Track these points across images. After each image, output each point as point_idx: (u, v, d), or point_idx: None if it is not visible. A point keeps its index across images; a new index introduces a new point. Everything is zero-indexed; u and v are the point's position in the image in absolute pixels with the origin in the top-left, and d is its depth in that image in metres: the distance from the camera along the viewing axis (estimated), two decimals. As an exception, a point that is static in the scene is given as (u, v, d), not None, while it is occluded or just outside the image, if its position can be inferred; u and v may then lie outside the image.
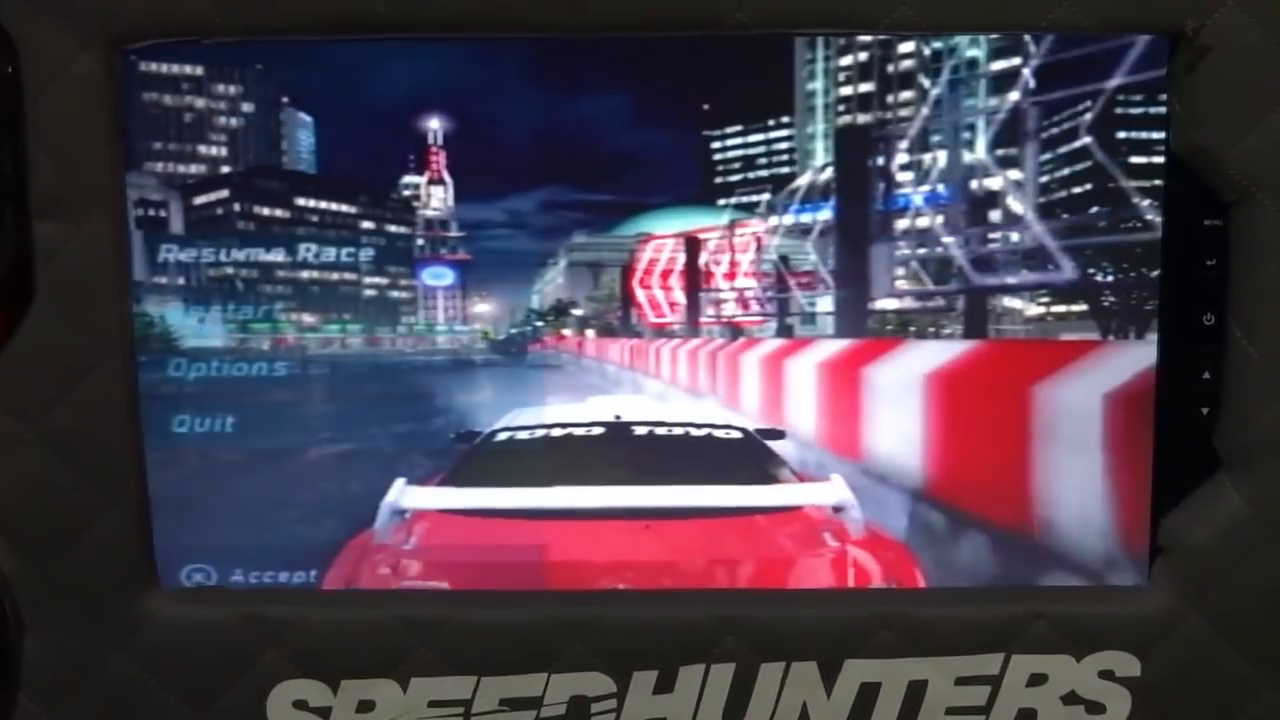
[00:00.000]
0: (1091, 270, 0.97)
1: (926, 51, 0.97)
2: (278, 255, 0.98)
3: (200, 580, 1.02)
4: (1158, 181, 0.94)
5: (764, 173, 1.00)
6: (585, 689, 1.00)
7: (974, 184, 1.00)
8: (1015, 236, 0.99)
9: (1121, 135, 0.95)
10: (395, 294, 1.01)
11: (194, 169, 0.96)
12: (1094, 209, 0.97)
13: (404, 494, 1.03)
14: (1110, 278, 0.98)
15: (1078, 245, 0.98)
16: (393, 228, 1.00)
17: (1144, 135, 0.95)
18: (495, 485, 1.03)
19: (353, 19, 0.90)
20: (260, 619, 0.99)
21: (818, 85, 0.98)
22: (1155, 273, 0.95)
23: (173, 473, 0.99)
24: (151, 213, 0.97)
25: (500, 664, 1.00)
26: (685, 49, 0.94)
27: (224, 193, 0.98)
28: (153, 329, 0.98)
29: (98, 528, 0.97)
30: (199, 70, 0.96)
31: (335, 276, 0.99)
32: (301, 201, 0.98)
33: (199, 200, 0.98)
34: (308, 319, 0.99)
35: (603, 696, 0.99)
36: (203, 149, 0.97)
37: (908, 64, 0.98)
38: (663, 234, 1.02)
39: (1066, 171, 0.97)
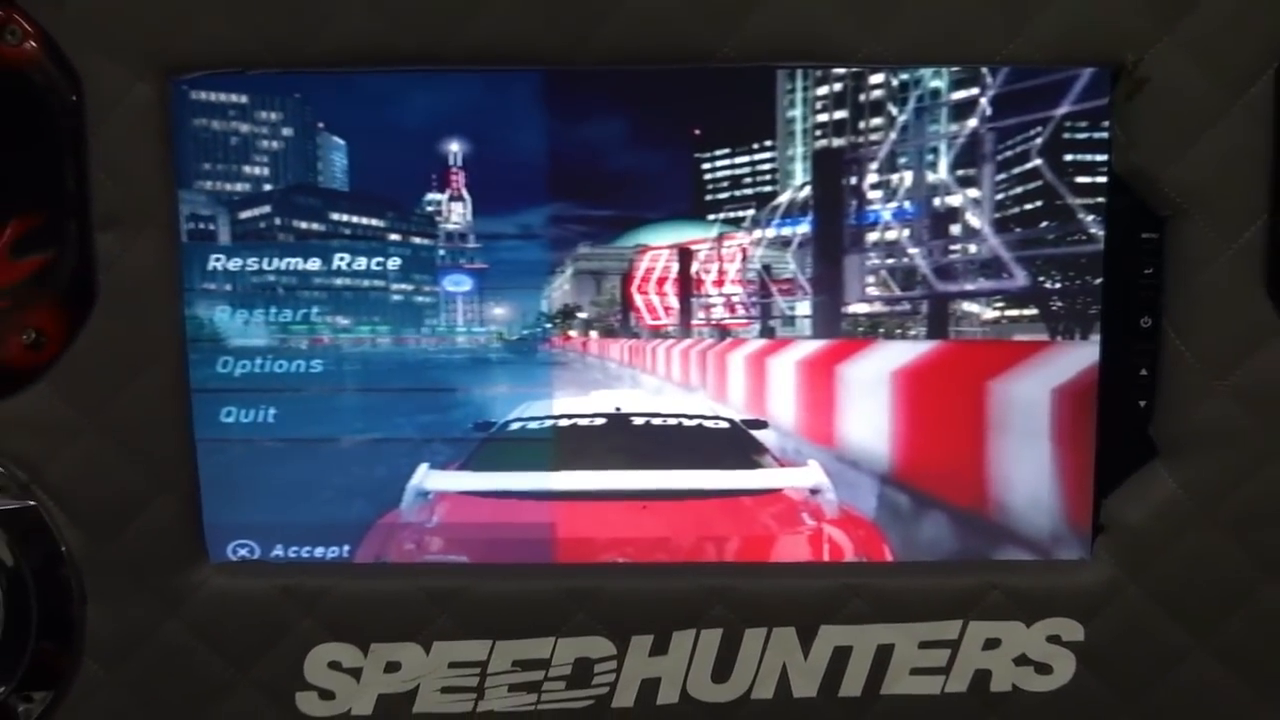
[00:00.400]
0: (1041, 278, 1.00)
1: (894, 82, 1.00)
2: (314, 264, 1.02)
3: (244, 555, 1.06)
4: (1100, 199, 0.98)
5: (749, 191, 1.03)
6: (589, 651, 1.04)
7: (936, 201, 1.03)
8: (973, 248, 1.03)
9: (1068, 158, 0.99)
10: (419, 299, 1.04)
11: (239, 187, 1.00)
12: (1044, 223, 1.00)
13: (427, 477, 1.07)
14: (1058, 285, 1.01)
15: (1029, 256, 1.01)
16: (417, 240, 1.03)
17: (1088, 158, 0.99)
18: (509, 469, 1.07)
19: (381, 53, 0.94)
20: (298, 589, 1.03)
21: (797, 112, 1.01)
22: (1098, 280, 1.00)
23: (220, 458, 1.04)
24: (202, 226, 1.00)
25: (513, 629, 1.03)
26: (678, 80, 0.98)
27: (266, 208, 1.01)
28: (203, 330, 1.02)
29: (153, 508, 1.01)
30: (244, 98, 0.99)
31: (366, 283, 1.03)
32: (335, 216, 1.02)
33: (244, 215, 1.01)
34: (341, 321, 1.03)
35: (605, 658, 1.04)
36: (247, 169, 1.00)
37: (878, 93, 1.01)
38: (658, 245, 1.05)
39: (1019, 190, 1.00)
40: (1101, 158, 0.99)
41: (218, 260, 1.03)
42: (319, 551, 1.09)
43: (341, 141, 1.02)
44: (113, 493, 1.03)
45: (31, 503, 1.02)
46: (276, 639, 1.06)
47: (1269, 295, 0.97)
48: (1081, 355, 1.02)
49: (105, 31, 0.95)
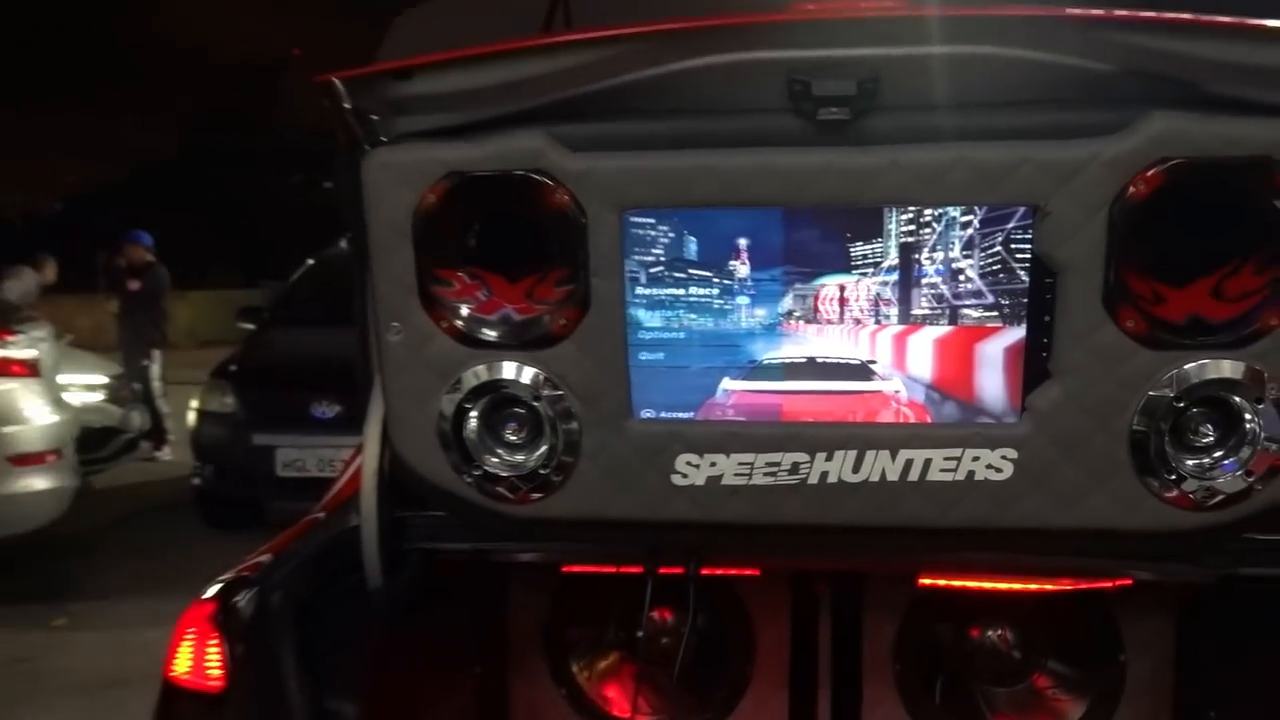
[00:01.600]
0: (1000, 299, 1.49)
1: (936, 212, 1.47)
2: (680, 291, 1.56)
3: (648, 415, 1.61)
4: (1028, 264, 1.46)
5: (870, 261, 1.51)
6: (797, 459, 1.56)
7: (954, 264, 1.50)
8: (970, 285, 1.50)
9: (1014, 245, 1.47)
10: (726, 307, 1.55)
11: (649, 258, 1.55)
12: (1002, 274, 1.48)
13: (727, 384, 1.60)
14: (1007, 301, 1.49)
15: (995, 288, 1.49)
16: (725, 281, 1.55)
17: (1024, 246, 1.46)
18: (763, 380, 1.58)
19: (715, 200, 1.48)
20: (671, 431, 1.59)
21: (892, 225, 1.50)
22: (1025, 299, 1.48)
23: (639, 376, 1.58)
24: (633, 274, 1.55)
25: (764, 449, 1.55)
26: (841, 212, 1.49)
27: (661, 267, 1.54)
28: (633, 319, 1.56)
29: (611, 394, 1.57)
30: (653, 219, 1.52)
31: (702, 300, 1.56)
32: (690, 271, 1.55)
33: (651, 270, 1.55)
34: (691, 315, 1.57)
35: (804, 462, 1.56)
36: (653, 251, 1.54)
37: (928, 215, 1.48)
38: (830, 283, 1.53)
39: (991, 260, 1.48)
40: (1028, 246, 1.46)
41: (640, 289, 1.57)
42: (680, 415, 1.62)
43: (694, 238, 1.55)
44: (595, 388, 1.58)
45: (560, 392, 1.59)
46: (661, 451, 1.60)
47: (1103, 307, 1.44)
48: (1018, 332, 1.51)
49: (597, 191, 1.49)
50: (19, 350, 5.11)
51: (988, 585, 1.90)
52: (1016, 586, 1.90)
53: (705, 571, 1.82)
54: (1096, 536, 1.57)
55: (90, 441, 6.26)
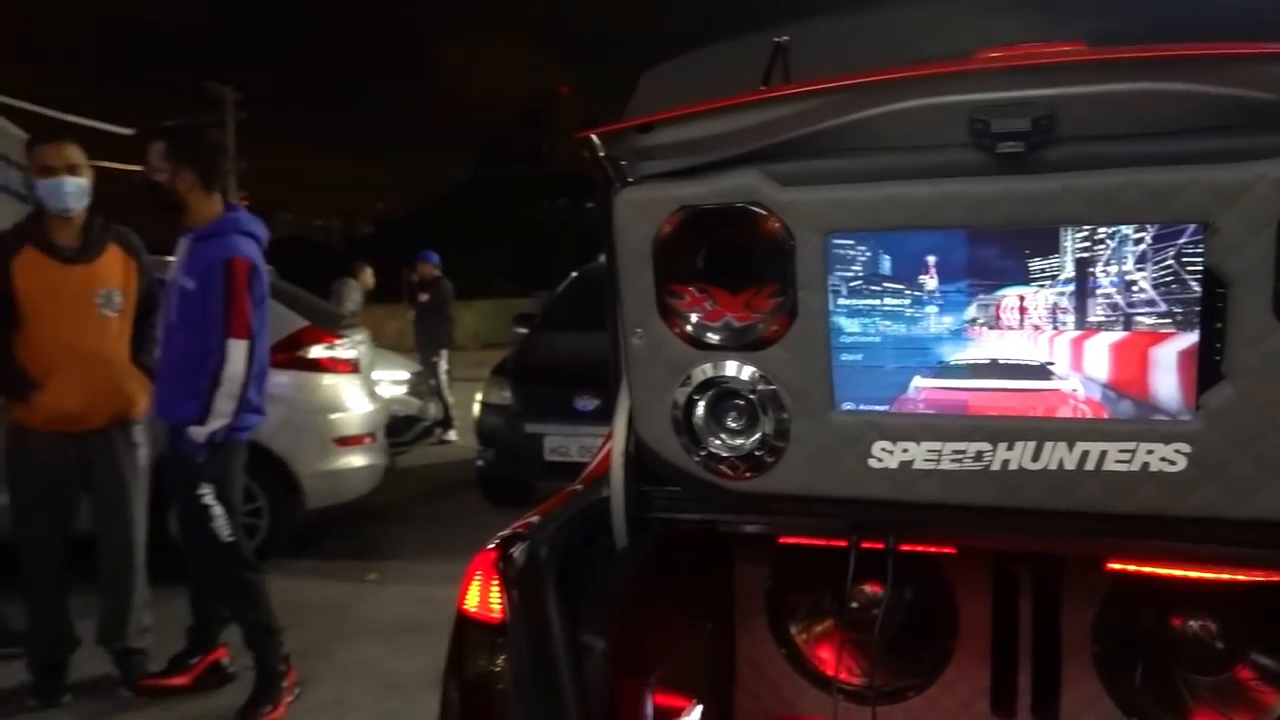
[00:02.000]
0: (1173, 306, 1.51)
1: (1109, 229, 1.51)
2: (875, 301, 1.67)
3: (848, 408, 1.72)
4: (1200, 275, 1.48)
5: (1048, 274, 1.57)
6: (981, 449, 1.63)
7: (1128, 276, 1.53)
8: (1142, 294, 1.52)
9: (1184, 259, 1.49)
10: (916, 314, 1.64)
11: (850, 273, 1.66)
12: (1174, 285, 1.50)
13: (919, 381, 1.70)
14: (1179, 309, 1.50)
15: (1167, 297, 1.51)
16: (915, 293, 1.64)
17: (1196, 258, 1.48)
18: (949, 378, 1.67)
19: (905, 225, 1.59)
20: (869, 421, 1.70)
21: (1068, 242, 1.55)
22: (1198, 307, 1.49)
23: (841, 374, 1.70)
24: (835, 287, 1.67)
25: (950, 436, 1.64)
26: (1024, 231, 1.55)
27: (860, 281, 1.65)
28: (834, 326, 1.68)
29: (819, 388, 1.70)
30: (852, 240, 1.64)
31: (896, 308, 1.66)
32: (884, 284, 1.66)
33: (852, 284, 1.67)
34: (884, 321, 1.66)
35: (986, 451, 1.64)
36: (853, 267, 1.66)
37: (1103, 233, 1.52)
38: (1011, 293, 1.60)
39: (1163, 271, 1.50)
40: (1199, 259, 1.48)
41: (841, 300, 1.69)
42: (877, 407, 1.72)
43: (888, 256, 1.65)
44: (803, 384, 1.71)
45: (773, 387, 1.75)
46: (859, 438, 1.71)
47: (1274, 314, 1.44)
48: (1190, 337, 1.52)
49: (804, 218, 1.64)
50: (344, 351, 5.81)
51: (1179, 573, 1.88)
52: (1208, 576, 1.87)
53: (906, 548, 1.91)
54: (1273, 528, 1.56)
55: (395, 427, 7.04)
